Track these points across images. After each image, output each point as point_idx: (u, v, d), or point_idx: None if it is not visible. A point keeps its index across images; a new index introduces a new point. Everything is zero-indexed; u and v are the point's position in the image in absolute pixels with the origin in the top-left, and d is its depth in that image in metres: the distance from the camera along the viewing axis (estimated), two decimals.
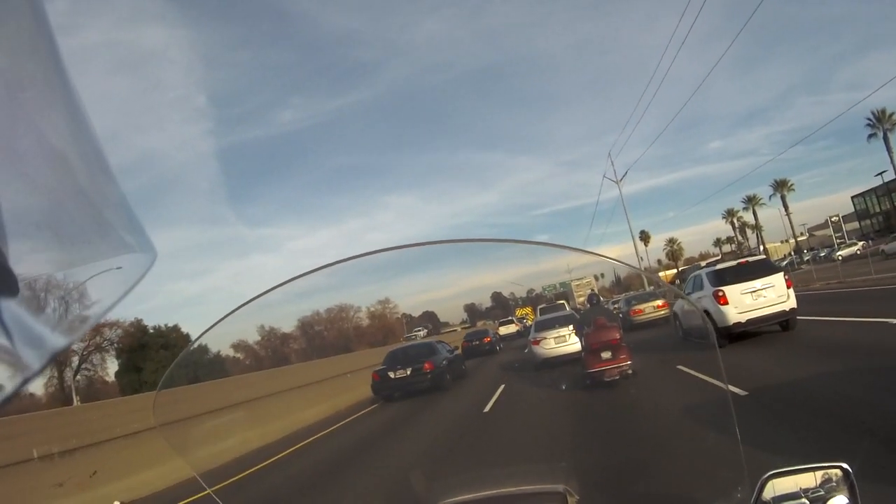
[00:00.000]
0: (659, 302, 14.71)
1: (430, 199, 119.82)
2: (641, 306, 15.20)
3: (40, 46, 0.41)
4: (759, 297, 10.13)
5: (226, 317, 1.27)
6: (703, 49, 64.06)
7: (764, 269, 10.71)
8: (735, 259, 11.61)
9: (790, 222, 60.53)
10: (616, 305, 18.29)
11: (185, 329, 49.46)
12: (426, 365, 11.16)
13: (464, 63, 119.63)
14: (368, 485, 5.87)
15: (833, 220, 56.04)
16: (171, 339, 47.82)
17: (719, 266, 11.40)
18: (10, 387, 0.34)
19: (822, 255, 47.15)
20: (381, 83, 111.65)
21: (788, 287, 10.25)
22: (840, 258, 37.67)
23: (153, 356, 45.77)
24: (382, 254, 1.26)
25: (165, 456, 7.58)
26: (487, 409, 8.07)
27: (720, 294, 10.20)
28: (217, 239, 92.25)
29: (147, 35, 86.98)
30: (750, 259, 11.37)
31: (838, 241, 51.33)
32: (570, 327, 10.26)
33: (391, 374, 11.24)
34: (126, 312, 44.84)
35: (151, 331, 47.72)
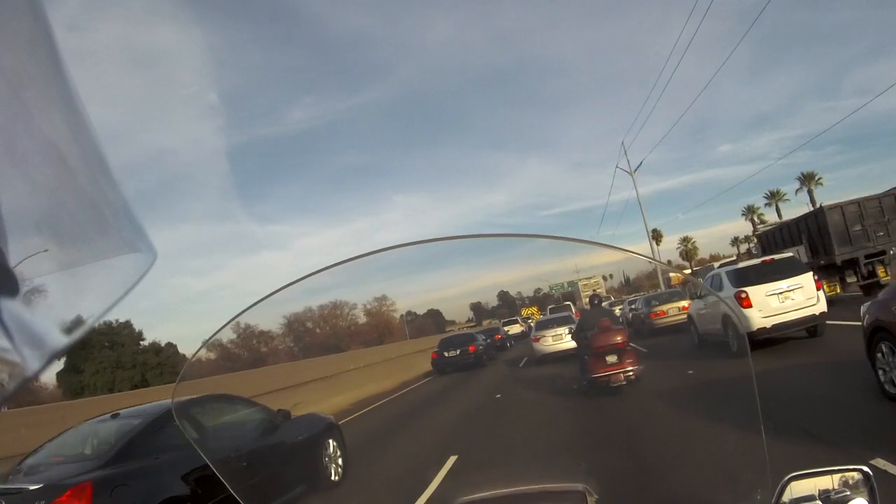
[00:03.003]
0: (684, 303, 12.62)
1: (438, 199, 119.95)
2: (664, 307, 13.24)
3: (40, 46, 0.41)
4: (787, 300, 9.04)
5: (238, 316, 1.28)
6: (716, 52, 63.36)
7: (791, 267, 9.62)
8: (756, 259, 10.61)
9: None
10: (633, 306, 17.20)
11: (137, 327, 43.69)
12: (471, 347, 14.89)
13: (474, 64, 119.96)
14: (384, 479, 5.88)
15: None
16: (121, 338, 41.59)
17: (741, 264, 10.49)
18: (10, 387, 0.34)
19: None
20: (391, 84, 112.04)
21: (818, 288, 9.25)
22: None
23: (95, 356, 39.70)
24: (388, 252, 1.25)
25: None
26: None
27: (743, 296, 9.11)
28: (226, 236, 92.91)
29: (160, 33, 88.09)
30: (776, 256, 10.24)
31: None
32: (567, 327, 11.41)
33: (446, 354, 14.83)
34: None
35: (101, 325, 40.45)
